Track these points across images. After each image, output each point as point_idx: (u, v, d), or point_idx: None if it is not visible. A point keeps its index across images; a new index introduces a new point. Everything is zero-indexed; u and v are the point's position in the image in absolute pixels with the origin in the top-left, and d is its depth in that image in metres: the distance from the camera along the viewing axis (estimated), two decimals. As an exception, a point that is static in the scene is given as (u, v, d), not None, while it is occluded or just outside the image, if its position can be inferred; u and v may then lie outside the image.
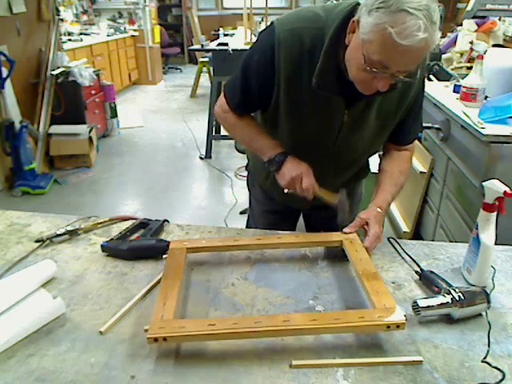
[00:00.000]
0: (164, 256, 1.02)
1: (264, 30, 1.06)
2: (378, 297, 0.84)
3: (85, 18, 7.11)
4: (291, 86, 1.02)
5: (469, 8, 2.51)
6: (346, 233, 1.05)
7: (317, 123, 1.07)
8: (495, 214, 0.93)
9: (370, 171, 1.37)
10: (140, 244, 1.08)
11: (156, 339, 0.74)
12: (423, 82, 1.10)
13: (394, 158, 1.18)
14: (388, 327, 0.77)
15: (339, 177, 1.23)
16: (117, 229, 1.17)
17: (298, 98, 1.04)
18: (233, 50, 3.85)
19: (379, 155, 1.25)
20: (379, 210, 1.07)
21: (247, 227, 1.51)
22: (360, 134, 1.09)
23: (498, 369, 0.74)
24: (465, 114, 1.85)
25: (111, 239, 1.09)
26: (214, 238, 1.14)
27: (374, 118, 1.07)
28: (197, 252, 1.05)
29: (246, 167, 1.48)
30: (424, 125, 2.26)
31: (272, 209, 1.40)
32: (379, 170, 1.20)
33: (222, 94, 1.16)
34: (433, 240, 2.20)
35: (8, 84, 3.49)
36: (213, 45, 4.36)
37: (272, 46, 0.99)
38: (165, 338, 0.75)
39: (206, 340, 0.77)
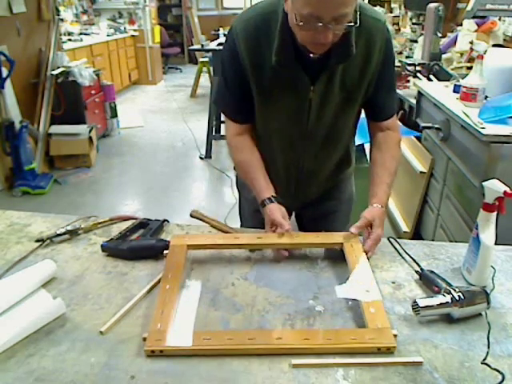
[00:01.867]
0: (165, 252, 1.02)
1: None
2: (372, 315, 0.83)
3: (85, 17, 7.11)
4: (257, 72, 1.08)
5: (469, 8, 2.51)
6: (352, 232, 1.05)
7: (287, 105, 1.11)
8: (495, 213, 0.93)
9: (353, 163, 1.37)
10: (140, 244, 1.08)
11: (153, 351, 0.76)
12: (387, 53, 1.10)
13: (382, 144, 1.19)
14: (378, 349, 0.77)
15: (320, 160, 1.24)
16: (117, 229, 1.17)
17: (266, 83, 1.09)
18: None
19: (370, 147, 1.25)
20: (381, 206, 1.08)
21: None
22: (328, 108, 1.12)
23: (498, 370, 0.73)
24: (465, 113, 1.85)
25: (111, 239, 1.09)
26: (216, 235, 1.14)
27: (339, 90, 1.09)
28: (198, 249, 1.06)
29: (235, 168, 1.47)
30: (424, 125, 2.26)
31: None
32: (371, 161, 1.21)
33: (222, 115, 1.25)
34: (433, 240, 2.20)
35: (8, 84, 3.49)
36: (213, 45, 4.36)
37: (233, 40, 1.07)
38: (161, 351, 0.76)
39: (200, 355, 0.77)
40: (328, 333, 0.81)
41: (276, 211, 1.09)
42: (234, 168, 1.36)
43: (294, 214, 1.48)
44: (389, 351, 0.77)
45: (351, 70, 1.07)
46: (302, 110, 1.12)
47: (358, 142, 1.42)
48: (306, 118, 1.13)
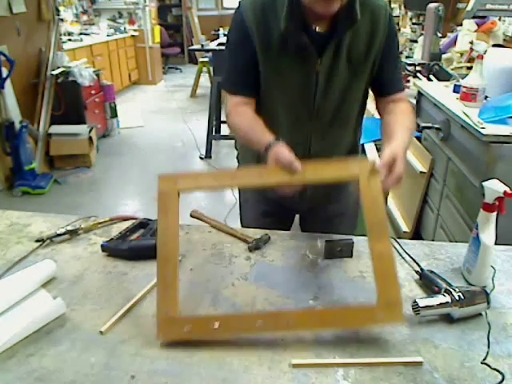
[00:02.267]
0: (154, 197, 0.90)
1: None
2: (383, 284, 0.81)
3: (85, 17, 7.11)
4: (265, 44, 1.09)
5: (469, 8, 2.51)
6: (373, 164, 0.91)
7: (294, 79, 1.11)
8: (495, 213, 0.93)
9: (362, 152, 1.34)
10: (140, 244, 1.08)
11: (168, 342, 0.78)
12: (391, 30, 1.12)
13: (394, 109, 1.17)
14: (385, 325, 0.78)
15: (328, 143, 1.21)
16: (117, 229, 1.17)
17: (273, 55, 1.10)
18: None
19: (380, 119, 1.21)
20: (401, 148, 0.99)
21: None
22: (335, 82, 1.12)
23: (498, 370, 0.73)
24: (465, 113, 1.85)
25: (111, 239, 1.09)
26: (209, 173, 1.04)
27: (346, 64, 1.10)
28: (189, 190, 0.94)
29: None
30: (424, 125, 2.26)
31: (264, 211, 1.37)
32: (382, 126, 1.17)
33: (225, 93, 1.22)
34: (433, 240, 2.20)
35: (8, 84, 3.49)
36: (213, 45, 4.36)
37: (241, 14, 1.09)
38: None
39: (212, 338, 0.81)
40: (334, 312, 0.83)
41: (284, 149, 0.96)
42: (235, 143, 1.33)
43: (298, 217, 1.45)
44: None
45: (357, 45, 1.09)
46: (309, 84, 1.11)
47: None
48: (313, 92, 1.12)
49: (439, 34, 2.83)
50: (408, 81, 2.94)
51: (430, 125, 2.20)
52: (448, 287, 0.87)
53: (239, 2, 1.12)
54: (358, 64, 1.11)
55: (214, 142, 4.39)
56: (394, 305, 0.80)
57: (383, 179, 0.90)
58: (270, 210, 1.35)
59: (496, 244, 0.95)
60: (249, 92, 1.17)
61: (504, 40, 3.02)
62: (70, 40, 5.56)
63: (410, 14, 4.73)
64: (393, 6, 5.34)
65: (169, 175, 0.91)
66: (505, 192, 0.89)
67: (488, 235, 0.93)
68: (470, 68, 2.61)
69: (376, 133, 1.33)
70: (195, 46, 5.80)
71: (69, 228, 1.14)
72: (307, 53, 1.08)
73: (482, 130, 1.65)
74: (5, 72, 3.36)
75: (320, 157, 1.19)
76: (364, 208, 0.87)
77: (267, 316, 0.84)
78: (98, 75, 4.64)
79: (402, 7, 4.86)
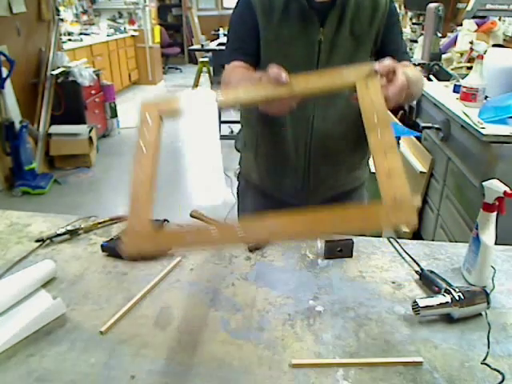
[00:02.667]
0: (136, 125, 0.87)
1: None
2: (388, 182, 0.66)
3: (85, 17, 7.11)
4: (267, 13, 1.10)
5: (469, 8, 2.51)
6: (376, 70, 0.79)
7: (296, 50, 1.11)
8: (495, 213, 0.93)
9: (367, 159, 1.31)
10: (140, 244, 1.08)
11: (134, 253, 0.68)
12: (392, 6, 1.14)
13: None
14: (394, 227, 0.68)
15: (332, 116, 1.16)
16: (117, 229, 1.17)
17: (275, 25, 1.10)
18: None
19: None
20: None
21: None
22: (337, 54, 1.12)
23: (498, 371, 0.73)
24: (465, 113, 1.85)
25: (111, 239, 1.09)
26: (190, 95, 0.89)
27: (349, 37, 1.11)
28: (173, 116, 0.87)
29: (238, 177, 1.44)
30: (424, 125, 2.27)
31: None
32: None
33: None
34: (433, 240, 2.20)
35: (8, 84, 3.49)
36: (213, 45, 4.36)
37: None
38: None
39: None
40: (334, 213, 0.65)
41: (274, 65, 0.85)
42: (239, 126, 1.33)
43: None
44: (406, 232, 0.67)
45: (360, 18, 1.10)
46: (311, 55, 1.11)
47: None
48: (315, 64, 1.12)
49: (439, 34, 2.83)
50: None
51: (430, 125, 2.20)
52: (448, 287, 0.87)
53: None
54: (361, 37, 1.12)
55: (214, 141, 4.39)
56: (404, 202, 0.65)
57: (384, 85, 0.79)
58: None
59: (496, 244, 0.95)
60: (249, 58, 1.16)
61: (504, 40, 3.02)
62: (70, 40, 5.56)
63: (409, 13, 4.73)
64: (393, 5, 5.33)
65: (152, 102, 0.87)
66: (505, 192, 0.89)
67: (488, 235, 0.93)
68: (470, 68, 2.61)
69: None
70: (195, 46, 5.80)
71: (69, 228, 1.14)
72: (309, 21, 1.08)
73: (482, 130, 1.65)
74: (5, 72, 3.37)
75: (323, 137, 1.16)
76: (362, 113, 0.76)
77: (247, 224, 0.68)
78: (98, 75, 4.65)
79: (402, 7, 4.86)
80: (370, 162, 1.34)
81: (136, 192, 0.73)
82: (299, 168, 1.22)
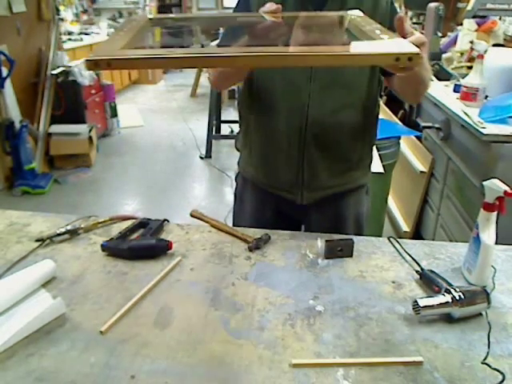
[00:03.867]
0: None
1: None
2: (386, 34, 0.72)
3: (85, 17, 7.11)
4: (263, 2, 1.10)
5: (469, 7, 2.51)
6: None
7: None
8: (495, 213, 0.93)
9: (370, 152, 1.29)
10: (140, 243, 1.08)
11: (97, 63, 0.61)
12: (393, 8, 1.15)
13: None
14: (397, 59, 0.65)
15: (327, 107, 1.14)
16: (117, 228, 1.17)
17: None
18: (233, 49, 3.84)
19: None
20: None
21: None
22: None
23: (498, 370, 0.73)
24: (465, 113, 1.85)
25: (111, 239, 1.09)
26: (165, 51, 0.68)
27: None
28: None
29: (236, 178, 1.42)
30: (424, 124, 2.27)
31: (264, 221, 1.27)
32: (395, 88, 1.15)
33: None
34: (433, 239, 2.20)
35: (8, 84, 3.49)
36: (213, 45, 4.35)
37: None
38: (109, 63, 0.61)
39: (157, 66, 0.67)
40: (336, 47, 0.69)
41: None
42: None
43: (303, 228, 1.38)
44: (410, 62, 0.65)
45: (362, 9, 1.08)
46: None
47: None
48: None
49: (439, 34, 2.83)
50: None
51: (430, 124, 2.20)
52: (448, 287, 0.87)
53: None
54: None
55: (214, 141, 4.39)
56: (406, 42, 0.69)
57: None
58: (269, 221, 1.26)
59: (496, 244, 0.95)
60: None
61: (504, 39, 3.02)
62: (70, 39, 5.56)
63: (410, 13, 4.72)
64: (393, 5, 5.33)
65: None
66: (505, 192, 0.89)
67: (488, 235, 0.93)
68: (470, 68, 2.60)
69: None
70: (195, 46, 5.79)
71: (69, 228, 1.14)
72: (306, 6, 1.08)
73: (483, 130, 1.65)
74: (5, 71, 3.37)
75: (319, 127, 1.14)
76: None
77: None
78: (97, 75, 4.64)
79: (402, 7, 4.86)
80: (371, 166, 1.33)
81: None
82: (293, 158, 1.20)
